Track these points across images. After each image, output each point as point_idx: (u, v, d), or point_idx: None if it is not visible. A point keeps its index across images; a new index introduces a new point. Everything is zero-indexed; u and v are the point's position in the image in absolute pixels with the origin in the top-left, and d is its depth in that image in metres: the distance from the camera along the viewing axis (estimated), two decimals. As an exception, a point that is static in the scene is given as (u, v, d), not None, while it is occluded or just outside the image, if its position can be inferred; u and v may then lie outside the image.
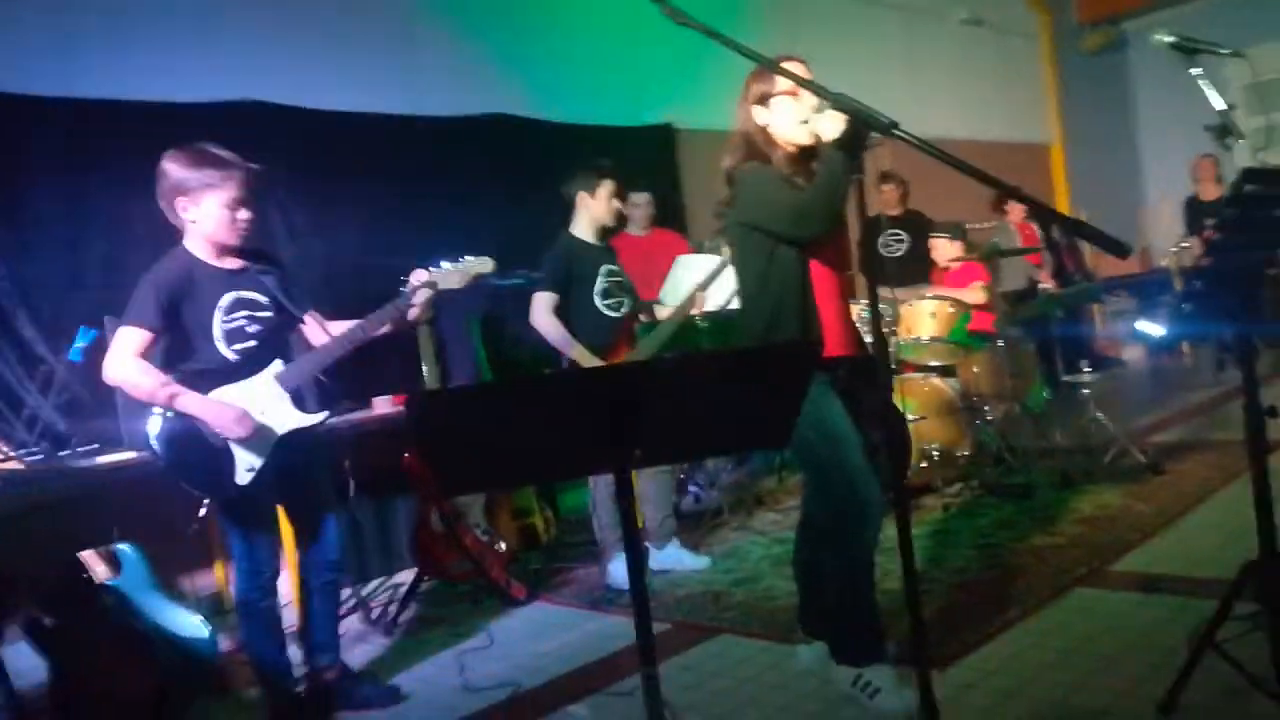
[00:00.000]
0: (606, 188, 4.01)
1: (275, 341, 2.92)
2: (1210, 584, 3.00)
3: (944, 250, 5.50)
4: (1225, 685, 2.31)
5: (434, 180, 5.25)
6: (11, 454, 3.48)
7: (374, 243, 4.95)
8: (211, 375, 2.78)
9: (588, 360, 3.85)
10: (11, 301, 3.95)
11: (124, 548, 3.31)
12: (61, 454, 3.72)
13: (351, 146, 4.94)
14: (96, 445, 3.81)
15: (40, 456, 3.60)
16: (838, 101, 2.09)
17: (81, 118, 4.15)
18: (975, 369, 5.17)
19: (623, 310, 4.04)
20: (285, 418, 2.85)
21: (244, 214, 2.81)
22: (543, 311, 3.94)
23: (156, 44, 4.41)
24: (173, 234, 3.55)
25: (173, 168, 2.76)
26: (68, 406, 3.90)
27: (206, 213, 2.76)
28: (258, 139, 4.54)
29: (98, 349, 3.73)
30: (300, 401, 2.91)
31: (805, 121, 2.60)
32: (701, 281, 4.10)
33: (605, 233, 4.15)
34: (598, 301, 3.98)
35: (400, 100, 5.19)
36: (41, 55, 4.12)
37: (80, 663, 3.03)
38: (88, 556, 3.19)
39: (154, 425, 2.78)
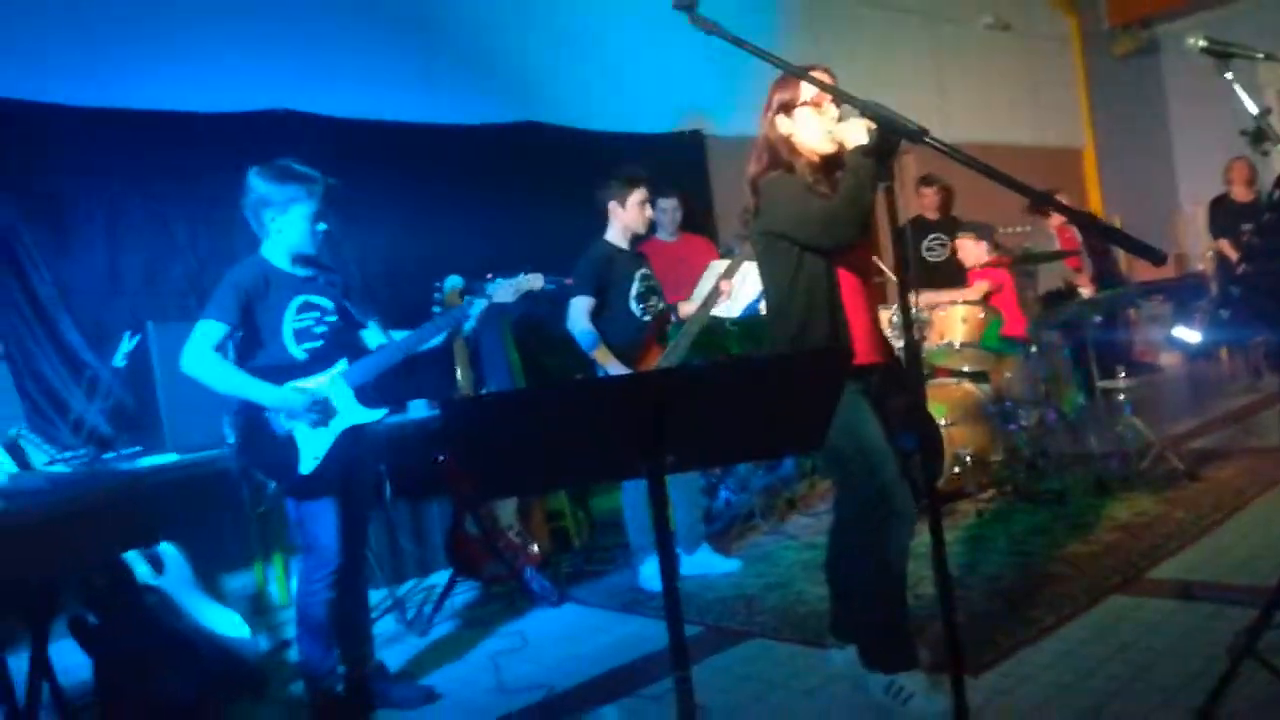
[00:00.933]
0: (637, 195, 4.05)
1: (341, 342, 3.07)
2: (1249, 591, 2.97)
3: (970, 251, 5.47)
4: (1266, 694, 2.29)
5: (465, 188, 5.32)
6: (58, 457, 3.57)
7: (406, 251, 5.02)
8: (281, 371, 2.95)
9: (616, 367, 3.90)
10: (56, 307, 4.06)
11: (167, 548, 3.38)
12: (106, 456, 3.81)
13: (382, 155, 5.03)
14: (140, 449, 3.90)
15: (85, 459, 3.68)
16: (866, 109, 2.10)
17: (120, 128, 4.26)
18: (1008, 374, 5.14)
19: (655, 313, 4.08)
20: (349, 411, 3.01)
21: (321, 226, 3.01)
22: (578, 316, 3.99)
23: (193, 55, 4.51)
24: (212, 240, 3.61)
25: (259, 183, 2.95)
26: (112, 410, 3.99)
27: (291, 224, 2.96)
28: (289, 148, 4.62)
29: (141, 355, 3.83)
30: (365, 398, 3.06)
31: (829, 131, 2.62)
32: (723, 272, 4.11)
33: (636, 239, 4.19)
34: (632, 305, 4.03)
35: (430, 109, 5.26)
36: (81, 68, 4.22)
37: (124, 661, 3.09)
38: (131, 556, 3.26)
39: (239, 418, 2.98)
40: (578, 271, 4.04)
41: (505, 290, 3.18)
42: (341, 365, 3.01)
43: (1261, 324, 2.30)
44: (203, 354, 2.86)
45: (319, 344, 3.00)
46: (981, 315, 4.96)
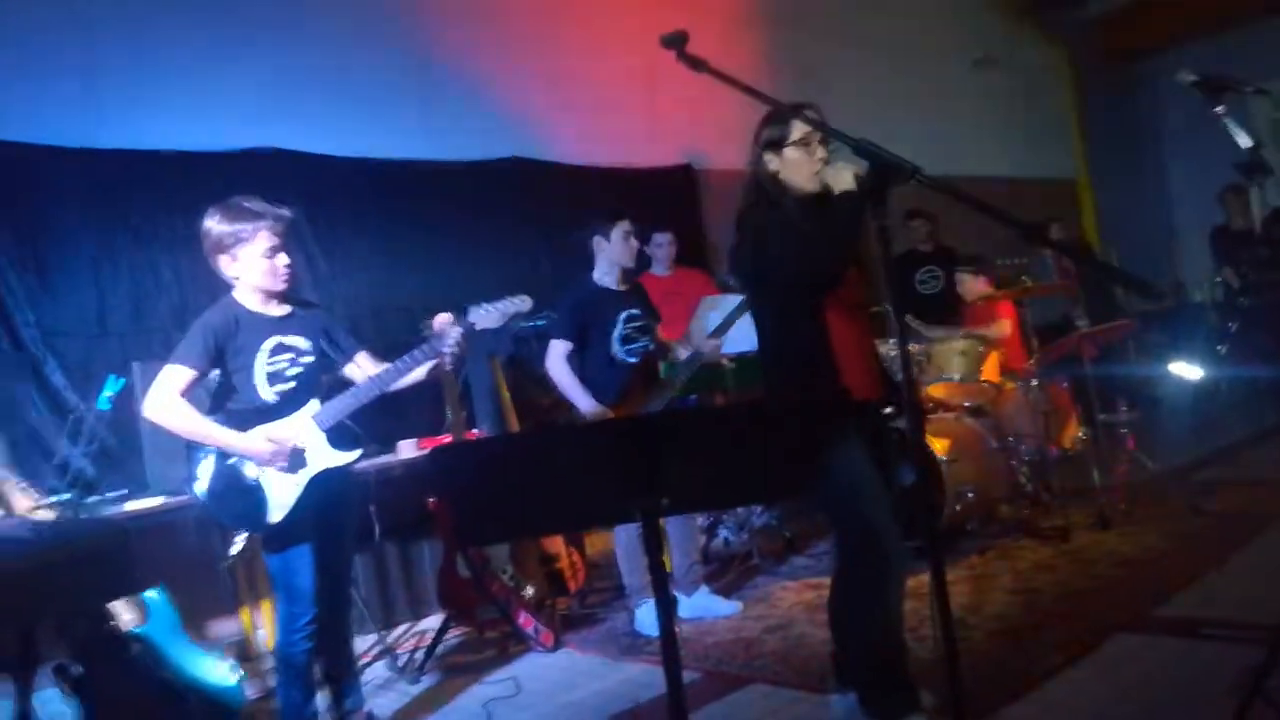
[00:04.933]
0: (620, 229, 4.01)
1: (314, 383, 3.01)
2: (1257, 629, 2.90)
3: (970, 286, 5.45)
4: (1277, 738, 2.22)
5: (454, 224, 5.31)
6: (42, 501, 3.50)
7: (394, 287, 5.01)
8: (251, 415, 2.88)
9: (595, 411, 3.85)
10: (40, 349, 4.01)
11: (152, 594, 3.31)
12: (90, 500, 3.75)
13: (370, 191, 5.02)
14: (125, 491, 3.84)
15: (71, 503, 3.62)
16: (859, 147, 2.08)
17: (106, 168, 4.24)
18: (1009, 408, 5.09)
19: (641, 355, 4.03)
20: (320, 455, 2.93)
21: (283, 259, 2.93)
22: (556, 359, 3.95)
23: (178, 95, 4.50)
24: (197, 280, 3.57)
25: (210, 225, 2.89)
26: (97, 454, 3.94)
27: (247, 264, 2.89)
28: (277, 185, 4.61)
29: (126, 397, 3.78)
30: (337, 440, 2.98)
31: (815, 173, 2.60)
32: (718, 328, 4.04)
33: (628, 274, 4.15)
34: (615, 348, 3.98)
35: (418, 145, 5.25)
36: (66, 108, 4.21)
37: (108, 710, 3.02)
38: (116, 604, 3.19)
39: (204, 466, 2.88)
40: (558, 313, 4.01)
41: (489, 316, 3.07)
42: (313, 406, 2.94)
43: (1259, 359, 2.27)
44: (165, 400, 2.79)
45: (291, 385, 2.93)
46: (981, 349, 4.93)
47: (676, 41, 2.14)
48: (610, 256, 4.03)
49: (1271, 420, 6.46)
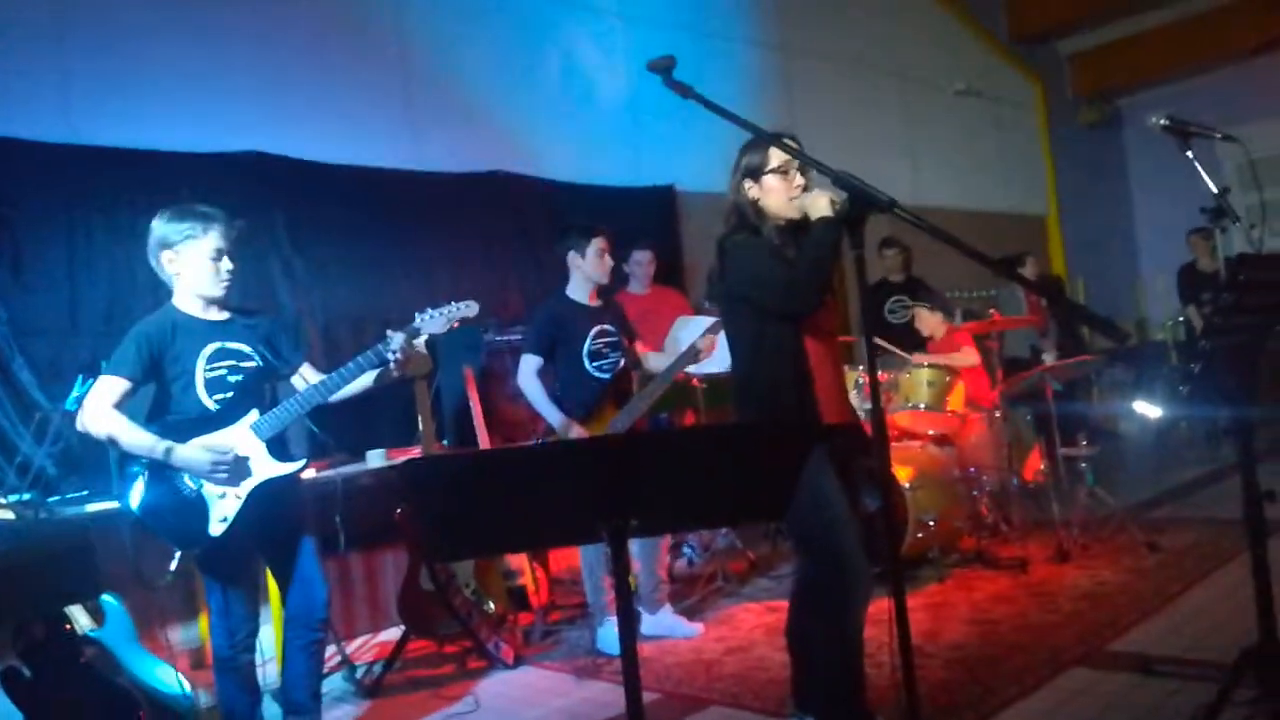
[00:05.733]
0: (596, 244, 4.02)
1: (255, 391, 2.95)
2: (1209, 666, 2.96)
3: (925, 320, 5.51)
4: (1225, 775, 2.26)
5: (435, 235, 5.30)
6: (2, 501, 3.45)
7: (373, 295, 4.99)
8: (191, 425, 2.82)
9: (564, 427, 3.87)
10: (9, 346, 3.95)
11: (108, 599, 3.27)
12: (51, 501, 3.69)
13: (353, 200, 5.00)
14: (86, 493, 3.78)
15: (31, 503, 3.56)
16: (838, 179, 2.12)
17: (83, 164, 4.18)
18: (972, 438, 5.15)
19: (613, 371, 4.04)
20: (261, 466, 2.87)
21: (226, 264, 2.89)
22: (526, 374, 3.97)
23: (162, 93, 4.47)
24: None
25: (158, 223, 2.87)
26: (62, 454, 3.88)
27: (189, 264, 2.85)
28: (260, 190, 4.62)
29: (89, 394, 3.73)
30: (279, 451, 2.93)
31: (793, 200, 2.64)
32: (709, 327, 4.04)
33: (603, 290, 4.16)
34: (586, 363, 3.99)
35: (402, 155, 5.25)
36: (46, 102, 4.17)
37: (58, 714, 2.96)
38: (72, 607, 3.14)
39: (137, 486, 2.81)
40: (528, 328, 4.03)
41: (435, 321, 3.02)
42: (252, 416, 2.88)
43: (1219, 400, 2.32)
44: (100, 411, 2.74)
45: (231, 394, 2.87)
46: (948, 379, 4.99)
47: (664, 67, 2.18)
48: (585, 271, 4.05)
49: (1229, 460, 6.58)
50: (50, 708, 2.96)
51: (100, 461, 3.79)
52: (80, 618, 3.18)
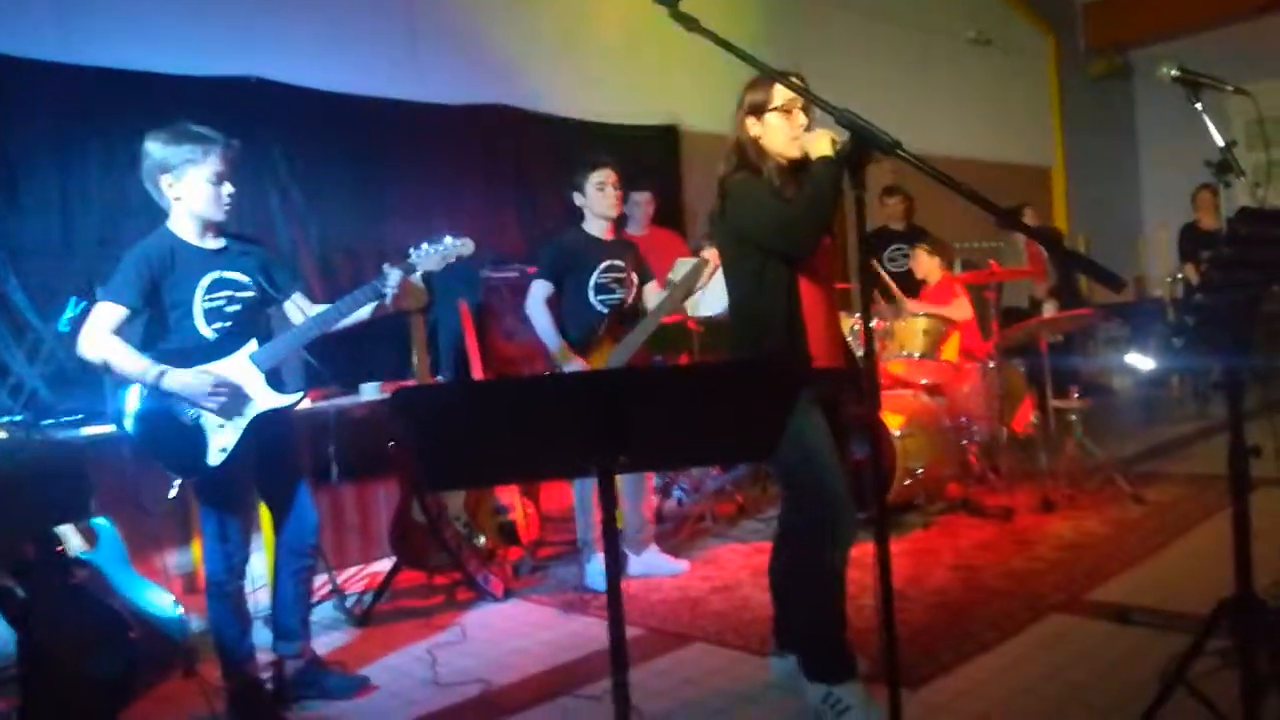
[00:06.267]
0: (595, 176, 4.01)
1: (253, 321, 2.94)
2: (1185, 618, 3.01)
3: (923, 263, 5.50)
4: (1193, 722, 2.31)
5: (434, 167, 5.24)
6: (-5, 420, 3.46)
7: (370, 226, 4.96)
8: (188, 354, 2.80)
9: (565, 358, 3.87)
10: (3, 267, 3.93)
11: (101, 521, 3.29)
12: (44, 423, 3.69)
13: (352, 129, 4.93)
14: (81, 416, 3.79)
15: (23, 424, 3.57)
16: (841, 117, 2.08)
17: (80, 85, 4.11)
18: (965, 388, 5.17)
19: (615, 305, 4.03)
20: (259, 397, 2.87)
21: (227, 188, 2.85)
22: (536, 300, 3.98)
23: (161, 15, 4.38)
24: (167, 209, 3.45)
25: (154, 146, 2.80)
26: (54, 376, 3.88)
27: (190, 188, 2.81)
28: (259, 117, 4.54)
29: (86, 318, 3.72)
30: (276, 382, 2.93)
31: (795, 138, 2.61)
32: (686, 277, 3.98)
33: (616, 225, 4.16)
34: (590, 295, 3.99)
35: (403, 86, 5.16)
36: (43, 18, 4.08)
37: (50, 635, 3.00)
38: (64, 529, 3.17)
39: (130, 403, 2.81)
40: (541, 256, 4.02)
41: (430, 259, 2.99)
42: (250, 346, 2.87)
43: (1213, 354, 2.32)
44: (98, 337, 2.72)
45: (229, 323, 2.86)
46: (943, 329, 4.99)
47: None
48: (589, 207, 4.03)
49: (1218, 418, 6.62)
50: (42, 627, 3.00)
51: (94, 385, 3.80)
52: (72, 539, 3.20)
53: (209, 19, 4.51)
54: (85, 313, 3.68)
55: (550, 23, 5.88)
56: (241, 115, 4.34)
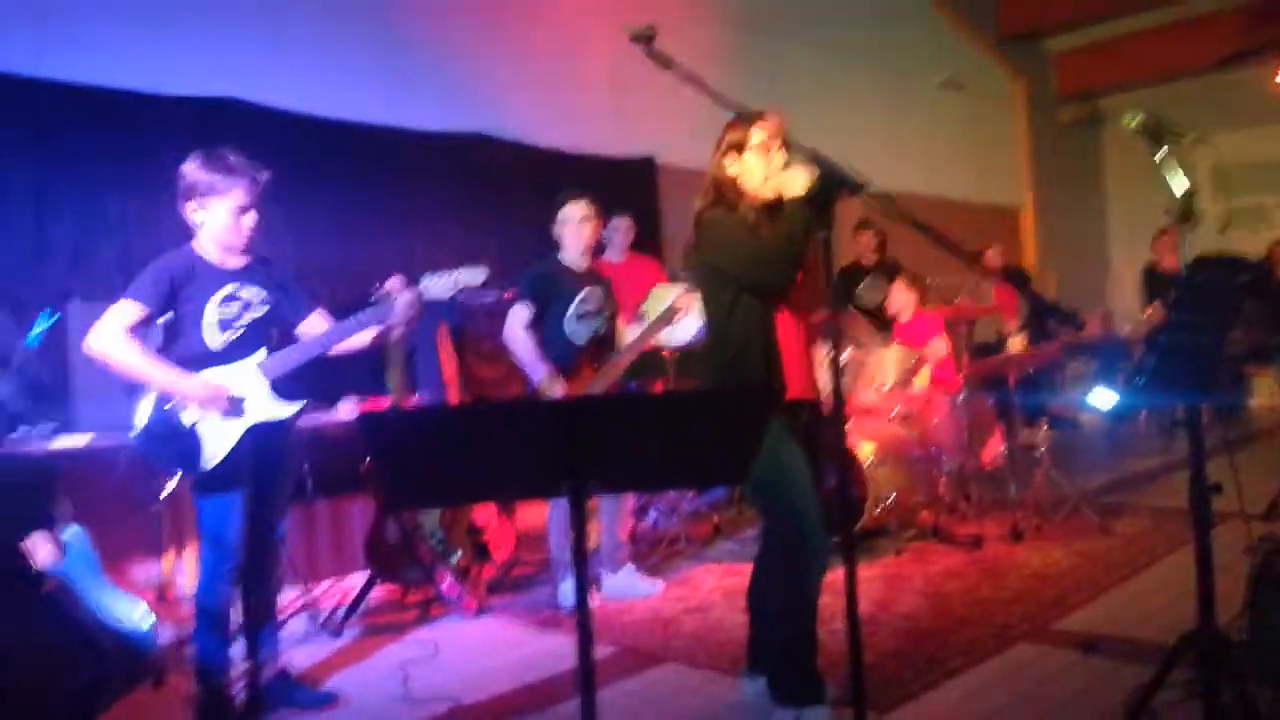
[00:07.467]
0: (567, 210, 4.07)
1: (264, 333, 3.00)
2: (1149, 648, 3.06)
3: (899, 297, 5.58)
4: (1155, 751, 2.36)
5: (411, 194, 5.28)
6: (-35, 431, 3.43)
7: (347, 252, 4.96)
8: (198, 360, 2.86)
9: (550, 384, 3.89)
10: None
11: (71, 531, 3.27)
12: (14, 435, 3.67)
13: (330, 153, 4.96)
14: (53, 426, 3.77)
15: (-6, 434, 3.55)
16: (813, 158, 2.15)
17: (57, 100, 4.12)
18: (935, 419, 5.25)
19: (591, 336, 4.07)
20: (260, 405, 2.92)
21: (250, 219, 2.92)
22: (516, 326, 3.99)
23: (140, 34, 4.40)
24: (146, 225, 3.47)
25: (188, 169, 2.88)
26: (26, 387, 3.85)
27: (213, 216, 2.89)
28: (235, 137, 4.52)
29: (59, 334, 3.72)
30: (280, 392, 2.97)
31: (769, 179, 2.69)
32: (658, 319, 4.06)
33: (589, 257, 4.20)
34: (567, 325, 4.02)
35: (383, 111, 5.20)
36: (19, 33, 4.09)
37: (15, 646, 2.97)
38: (33, 539, 3.14)
39: (145, 403, 2.87)
40: (521, 282, 4.05)
41: (440, 286, 3.05)
42: (260, 355, 2.95)
43: (1174, 392, 2.40)
44: (112, 334, 2.77)
45: (240, 334, 2.93)
46: (914, 362, 5.07)
47: (644, 37, 2.19)
48: (567, 238, 4.09)
49: (1182, 452, 6.74)
50: (8, 639, 2.97)
51: (65, 398, 3.79)
52: (40, 549, 3.17)
53: (188, 39, 4.53)
54: (57, 327, 3.70)
55: (533, 54, 5.95)
56: (220, 136, 4.33)
